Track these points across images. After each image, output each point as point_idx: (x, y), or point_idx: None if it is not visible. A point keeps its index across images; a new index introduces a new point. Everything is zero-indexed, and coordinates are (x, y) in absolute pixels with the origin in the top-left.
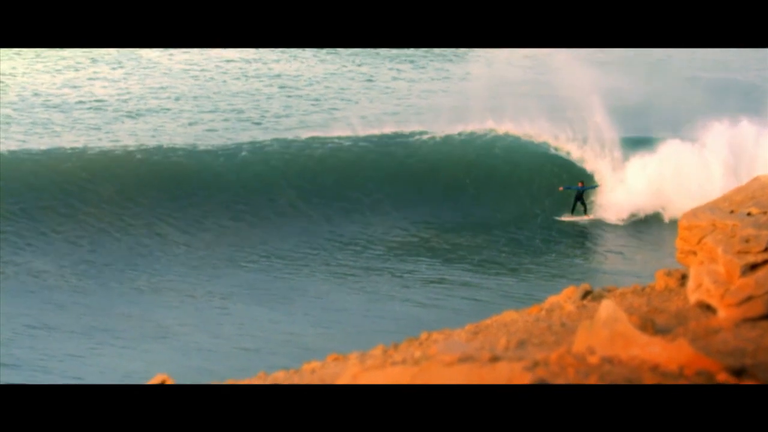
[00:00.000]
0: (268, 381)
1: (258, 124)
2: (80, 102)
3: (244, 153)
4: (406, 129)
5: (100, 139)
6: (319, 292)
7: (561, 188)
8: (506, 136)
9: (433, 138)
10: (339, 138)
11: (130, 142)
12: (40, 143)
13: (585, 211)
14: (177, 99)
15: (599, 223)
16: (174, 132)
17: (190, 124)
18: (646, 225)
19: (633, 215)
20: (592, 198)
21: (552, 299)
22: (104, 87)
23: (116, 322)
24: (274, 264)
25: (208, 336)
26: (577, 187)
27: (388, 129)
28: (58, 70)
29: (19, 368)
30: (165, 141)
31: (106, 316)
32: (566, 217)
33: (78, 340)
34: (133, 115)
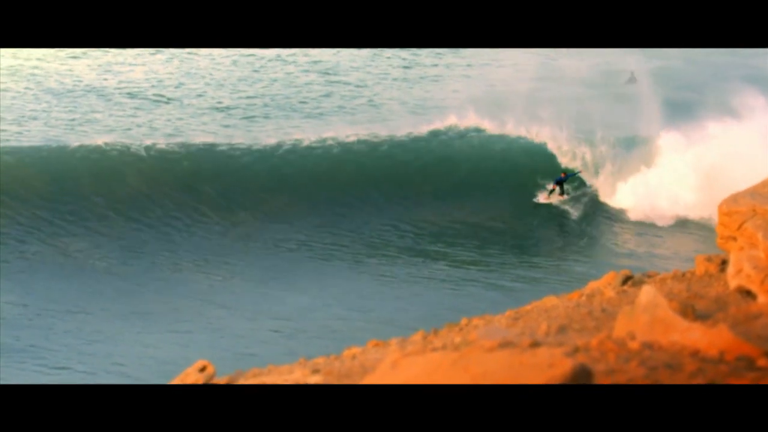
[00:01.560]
0: (309, 367)
1: (296, 111)
2: (118, 88)
3: (283, 140)
4: (441, 121)
5: (139, 126)
6: (358, 277)
7: (558, 189)
8: (538, 132)
9: (467, 130)
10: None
11: (167, 128)
12: (78, 130)
13: (561, 194)
14: (219, 86)
15: (638, 212)
16: (212, 118)
17: (228, 108)
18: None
19: (679, 218)
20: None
21: (592, 285)
22: (144, 73)
23: (153, 305)
24: (311, 249)
25: (245, 320)
26: (561, 177)
27: (425, 121)
28: (96, 56)
29: (58, 352)
30: (204, 128)
31: (143, 300)
32: (543, 199)
33: (116, 325)
34: (169, 101)
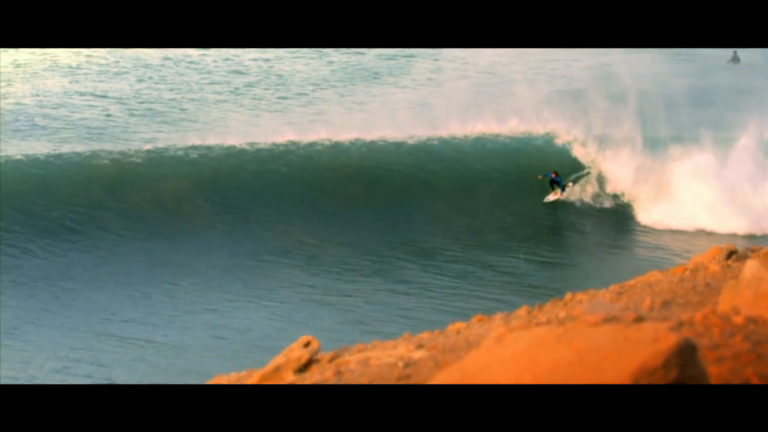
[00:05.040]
0: (413, 342)
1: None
2: (146, 101)
3: (352, 146)
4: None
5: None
6: (461, 259)
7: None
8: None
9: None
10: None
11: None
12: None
13: (561, 191)
14: (260, 96)
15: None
16: (262, 123)
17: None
18: None
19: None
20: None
21: (696, 259)
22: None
23: (254, 280)
24: (425, 238)
25: (353, 299)
26: (551, 176)
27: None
28: (126, 70)
29: (164, 327)
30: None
31: (242, 273)
32: (551, 197)
33: (216, 297)
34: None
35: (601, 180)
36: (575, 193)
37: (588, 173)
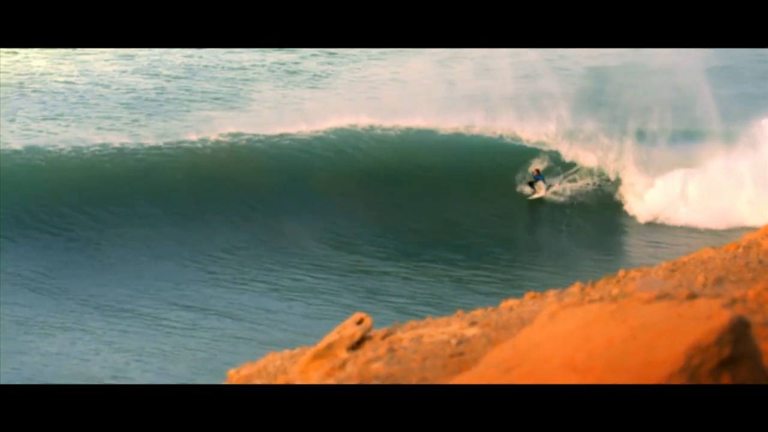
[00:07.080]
0: (466, 319)
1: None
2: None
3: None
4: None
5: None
6: (512, 238)
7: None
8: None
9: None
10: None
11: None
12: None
13: (546, 189)
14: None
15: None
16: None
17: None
18: None
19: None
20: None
21: (749, 236)
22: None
23: (310, 259)
24: (464, 220)
25: (402, 282)
26: (535, 175)
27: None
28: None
29: (213, 303)
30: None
31: (299, 250)
32: (535, 195)
33: (268, 275)
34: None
35: (625, 172)
36: (614, 186)
37: (577, 171)
